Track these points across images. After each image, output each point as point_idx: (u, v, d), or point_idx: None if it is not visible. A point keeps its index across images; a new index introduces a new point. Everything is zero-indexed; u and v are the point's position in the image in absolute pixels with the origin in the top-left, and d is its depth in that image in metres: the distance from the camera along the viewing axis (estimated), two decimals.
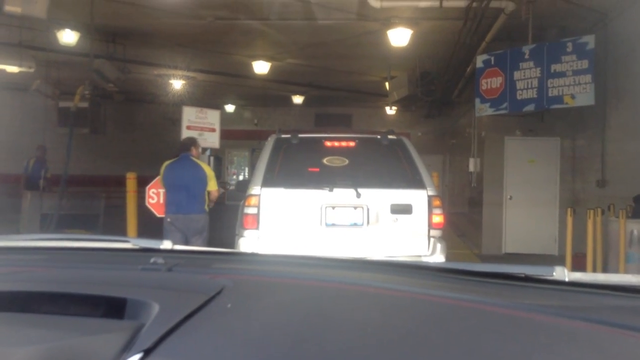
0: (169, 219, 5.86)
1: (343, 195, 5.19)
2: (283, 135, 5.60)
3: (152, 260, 1.14)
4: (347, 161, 5.57)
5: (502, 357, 0.74)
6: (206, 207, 5.97)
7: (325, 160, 5.55)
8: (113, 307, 0.89)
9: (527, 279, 1.10)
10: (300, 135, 5.61)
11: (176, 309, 0.84)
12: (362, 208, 5.19)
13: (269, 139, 5.67)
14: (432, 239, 5.21)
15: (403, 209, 5.20)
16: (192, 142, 6.27)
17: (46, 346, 0.71)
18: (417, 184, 5.26)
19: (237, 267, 1.23)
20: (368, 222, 5.18)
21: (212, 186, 6.04)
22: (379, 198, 5.21)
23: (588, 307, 0.95)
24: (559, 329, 0.84)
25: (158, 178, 6.21)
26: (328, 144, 5.62)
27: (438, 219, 5.23)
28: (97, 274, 1.07)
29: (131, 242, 1.34)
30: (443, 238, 5.36)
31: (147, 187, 6.68)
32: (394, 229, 5.19)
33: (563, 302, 0.98)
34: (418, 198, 5.21)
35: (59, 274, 1.08)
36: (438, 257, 5.13)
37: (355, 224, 5.20)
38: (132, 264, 1.14)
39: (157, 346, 0.73)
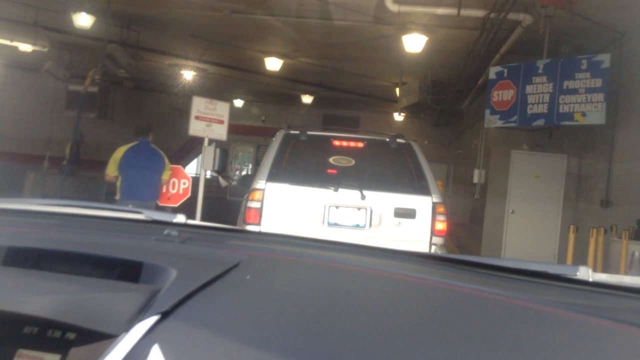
0: (130, 205, 5.82)
1: (347, 195, 5.15)
2: (292, 131, 5.56)
3: (165, 232, 1.12)
4: (354, 162, 5.53)
5: (530, 347, 0.71)
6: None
7: (332, 160, 5.52)
8: (128, 271, 0.86)
9: (549, 277, 1.07)
10: (309, 133, 5.57)
11: (194, 276, 0.82)
12: (366, 210, 5.16)
13: (278, 133, 5.62)
14: (433, 246, 5.18)
15: (406, 214, 5.17)
16: (150, 127, 6.34)
17: (63, 297, 0.69)
18: (423, 189, 5.23)
19: (252, 245, 1.21)
20: (370, 224, 5.15)
21: (166, 176, 6.32)
22: (383, 201, 5.18)
23: (615, 308, 0.92)
24: (587, 326, 0.81)
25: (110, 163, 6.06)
26: (336, 143, 5.57)
27: (441, 225, 5.19)
28: (111, 239, 1.05)
29: (144, 214, 1.32)
30: (444, 246, 5.33)
31: None
32: (396, 233, 5.15)
33: (588, 302, 0.95)
34: (422, 204, 5.18)
35: (71, 236, 1.06)
36: None
37: (357, 225, 5.17)
38: (145, 234, 1.12)
39: (175, 310, 0.71)
